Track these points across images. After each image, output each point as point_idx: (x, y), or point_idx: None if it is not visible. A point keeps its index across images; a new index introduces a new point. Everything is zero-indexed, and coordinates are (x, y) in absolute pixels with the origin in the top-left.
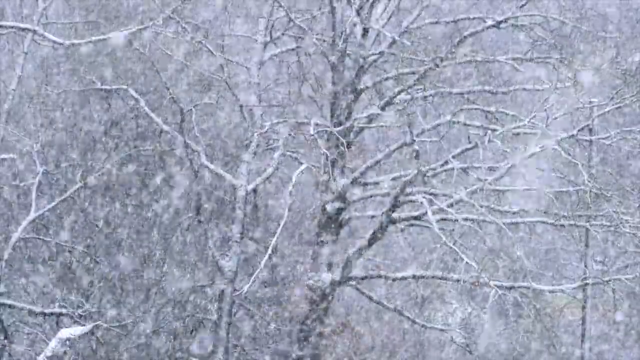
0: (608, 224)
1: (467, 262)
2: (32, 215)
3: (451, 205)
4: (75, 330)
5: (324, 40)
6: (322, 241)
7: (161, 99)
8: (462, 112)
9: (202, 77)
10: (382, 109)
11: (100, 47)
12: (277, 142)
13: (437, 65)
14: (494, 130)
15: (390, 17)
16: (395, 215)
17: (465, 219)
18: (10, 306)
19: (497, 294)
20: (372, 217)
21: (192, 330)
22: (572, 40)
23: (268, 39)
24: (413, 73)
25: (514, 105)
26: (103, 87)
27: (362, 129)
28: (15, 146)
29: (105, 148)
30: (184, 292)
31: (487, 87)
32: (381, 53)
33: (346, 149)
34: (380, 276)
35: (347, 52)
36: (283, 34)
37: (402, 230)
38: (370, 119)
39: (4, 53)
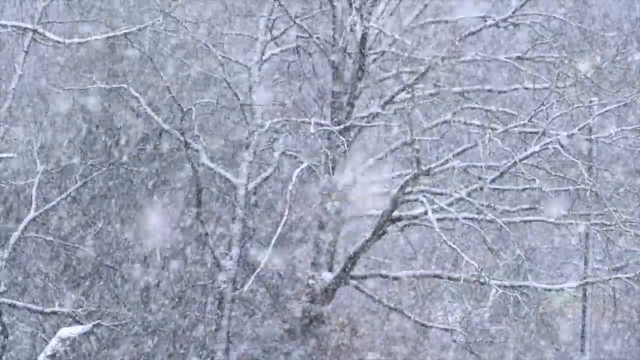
0: (608, 223)
1: (467, 261)
2: (32, 214)
3: (451, 204)
4: (75, 330)
5: (325, 40)
6: (322, 240)
7: (161, 98)
8: (462, 111)
9: (202, 76)
10: (382, 108)
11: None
12: (277, 141)
13: (437, 65)
14: (494, 129)
15: (390, 16)
16: (395, 214)
17: (466, 218)
18: (10, 305)
19: (497, 293)
20: (373, 216)
21: (192, 330)
22: (572, 39)
23: (268, 38)
24: (413, 72)
25: (513, 104)
26: (103, 85)
27: (362, 128)
28: (15, 145)
29: (105, 147)
30: (184, 292)
31: (487, 86)
32: (381, 52)
33: (346, 148)
34: (380, 275)
35: (348, 51)
36: (283, 33)
37: (402, 229)
38: (371, 118)
39: (4, 52)
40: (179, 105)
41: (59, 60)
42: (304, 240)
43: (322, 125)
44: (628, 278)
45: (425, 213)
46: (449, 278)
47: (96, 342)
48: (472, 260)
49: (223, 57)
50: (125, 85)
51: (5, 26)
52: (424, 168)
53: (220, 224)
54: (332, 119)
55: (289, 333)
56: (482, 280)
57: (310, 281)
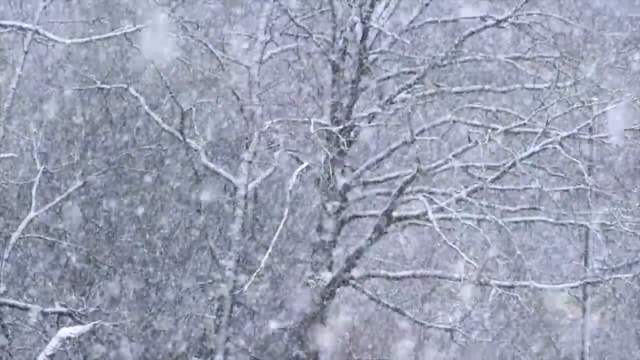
0: (608, 223)
1: (467, 261)
2: (32, 214)
3: (451, 204)
4: (75, 330)
5: (325, 40)
6: (322, 240)
7: (161, 98)
8: (462, 111)
9: (202, 76)
10: (383, 108)
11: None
12: (277, 141)
13: (438, 65)
14: (494, 129)
15: (390, 16)
16: (395, 214)
17: (466, 218)
18: (10, 306)
19: (497, 293)
20: (373, 216)
21: (192, 330)
22: (572, 39)
23: (268, 38)
24: (413, 72)
25: (514, 104)
26: (103, 85)
27: (362, 128)
28: (15, 145)
29: (105, 147)
30: (184, 292)
31: (487, 86)
32: (381, 52)
33: (346, 148)
34: (380, 275)
35: (347, 51)
36: (283, 33)
37: (402, 229)
38: (371, 118)
39: (4, 52)
40: (179, 105)
41: (59, 60)
42: (304, 241)
43: (322, 125)
44: (628, 278)
45: (425, 213)
46: (449, 278)
47: (96, 342)
48: (472, 260)
49: (223, 57)
50: (125, 85)
51: (5, 26)
52: (424, 168)
53: (220, 224)
54: (332, 119)
55: (288, 333)
56: (482, 280)
57: (310, 281)
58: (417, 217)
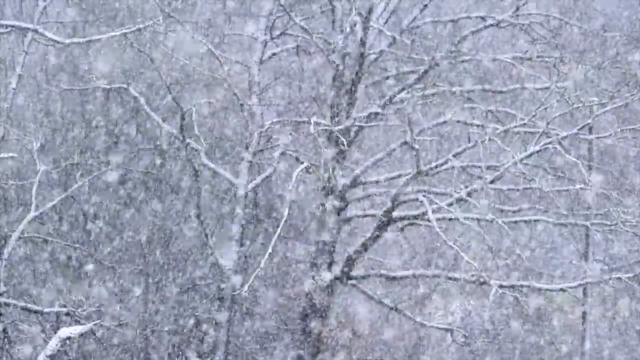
0: (608, 223)
1: (467, 261)
2: (32, 214)
3: (451, 205)
4: (75, 330)
5: (325, 40)
6: (322, 240)
7: (161, 98)
8: (462, 111)
9: (202, 76)
10: (382, 108)
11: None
12: (277, 141)
13: (437, 64)
14: (494, 129)
15: (390, 16)
16: (395, 214)
17: (466, 218)
18: (10, 306)
19: (497, 292)
20: (373, 216)
21: (192, 330)
22: (572, 39)
23: (268, 37)
24: (413, 72)
25: (513, 104)
26: (103, 85)
27: (362, 128)
28: (15, 145)
29: (105, 147)
30: (184, 292)
31: (487, 86)
32: (381, 52)
33: (346, 148)
34: (380, 275)
35: (347, 51)
36: (283, 33)
37: (402, 229)
38: (371, 118)
39: (4, 52)
40: (179, 105)
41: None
42: (304, 241)
43: (322, 125)
44: (628, 278)
45: (425, 213)
46: (449, 278)
47: (96, 342)
48: (472, 260)
49: (223, 57)
50: (125, 85)
51: (5, 26)
52: (424, 168)
53: (220, 224)
54: (332, 119)
55: (288, 333)
56: (482, 280)
57: (310, 281)
58: (417, 217)
